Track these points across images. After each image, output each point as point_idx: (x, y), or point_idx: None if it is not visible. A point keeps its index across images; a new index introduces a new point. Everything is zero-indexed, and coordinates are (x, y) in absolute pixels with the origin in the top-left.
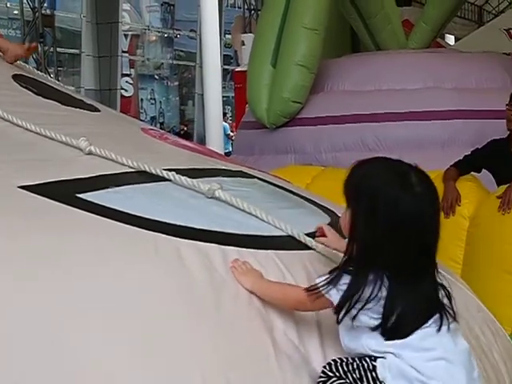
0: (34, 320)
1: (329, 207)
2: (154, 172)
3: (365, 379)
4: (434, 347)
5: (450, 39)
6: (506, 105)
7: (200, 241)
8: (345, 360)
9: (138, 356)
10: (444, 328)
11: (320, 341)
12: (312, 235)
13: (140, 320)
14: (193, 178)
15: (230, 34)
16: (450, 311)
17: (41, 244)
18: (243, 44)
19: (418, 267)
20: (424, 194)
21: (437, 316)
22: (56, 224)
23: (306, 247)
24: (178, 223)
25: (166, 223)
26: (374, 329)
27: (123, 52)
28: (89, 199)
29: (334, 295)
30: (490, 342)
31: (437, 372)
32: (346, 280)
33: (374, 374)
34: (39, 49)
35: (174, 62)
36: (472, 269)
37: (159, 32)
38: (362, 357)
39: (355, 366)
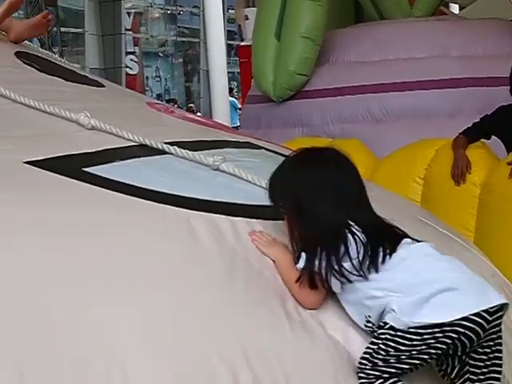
0: (49, 291)
1: None
2: (154, 146)
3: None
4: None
5: (455, 8)
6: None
7: (209, 212)
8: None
9: (150, 327)
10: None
11: (333, 305)
12: None
13: (152, 291)
14: (200, 149)
15: (233, 8)
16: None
17: (52, 217)
18: (247, 18)
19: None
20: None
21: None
22: (64, 198)
23: None
24: (186, 195)
25: (173, 195)
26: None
27: (127, 30)
28: (95, 173)
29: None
30: None
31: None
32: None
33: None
34: None
35: (178, 39)
36: (484, 236)
37: (162, 9)
38: (379, 334)
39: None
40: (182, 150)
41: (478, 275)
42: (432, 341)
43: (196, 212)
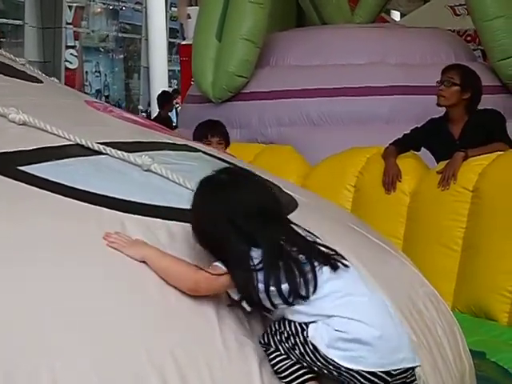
0: None
1: (274, 181)
2: (88, 146)
3: (297, 347)
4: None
5: (396, 15)
6: (437, 82)
7: (144, 215)
8: (275, 328)
9: (80, 333)
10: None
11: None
12: None
13: (81, 298)
14: (136, 151)
15: (175, 6)
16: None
17: None
18: (189, 17)
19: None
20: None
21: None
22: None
23: None
24: (122, 197)
25: (109, 197)
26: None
27: (67, 24)
28: (30, 172)
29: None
30: (433, 317)
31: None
32: None
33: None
34: None
35: (120, 35)
36: (412, 244)
37: (104, 4)
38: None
39: (286, 336)
40: (117, 151)
41: (397, 320)
42: (335, 373)
43: (131, 215)
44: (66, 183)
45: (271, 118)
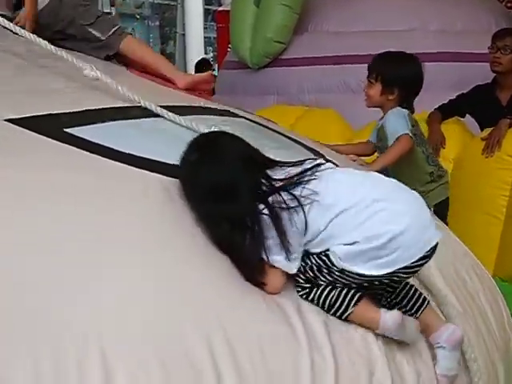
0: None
1: (317, 149)
2: (150, 108)
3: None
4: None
5: None
6: (488, 47)
7: None
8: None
9: (128, 301)
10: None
11: None
12: None
13: (132, 264)
14: (183, 115)
15: None
16: None
17: (29, 180)
18: None
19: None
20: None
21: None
22: (44, 160)
23: None
24: (169, 161)
25: (156, 161)
26: None
27: None
28: (77, 134)
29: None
30: (477, 286)
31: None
32: None
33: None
34: None
35: (155, 1)
36: (454, 211)
37: None
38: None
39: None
40: (175, 115)
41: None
42: (366, 284)
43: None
44: (111, 146)
45: (309, 85)
